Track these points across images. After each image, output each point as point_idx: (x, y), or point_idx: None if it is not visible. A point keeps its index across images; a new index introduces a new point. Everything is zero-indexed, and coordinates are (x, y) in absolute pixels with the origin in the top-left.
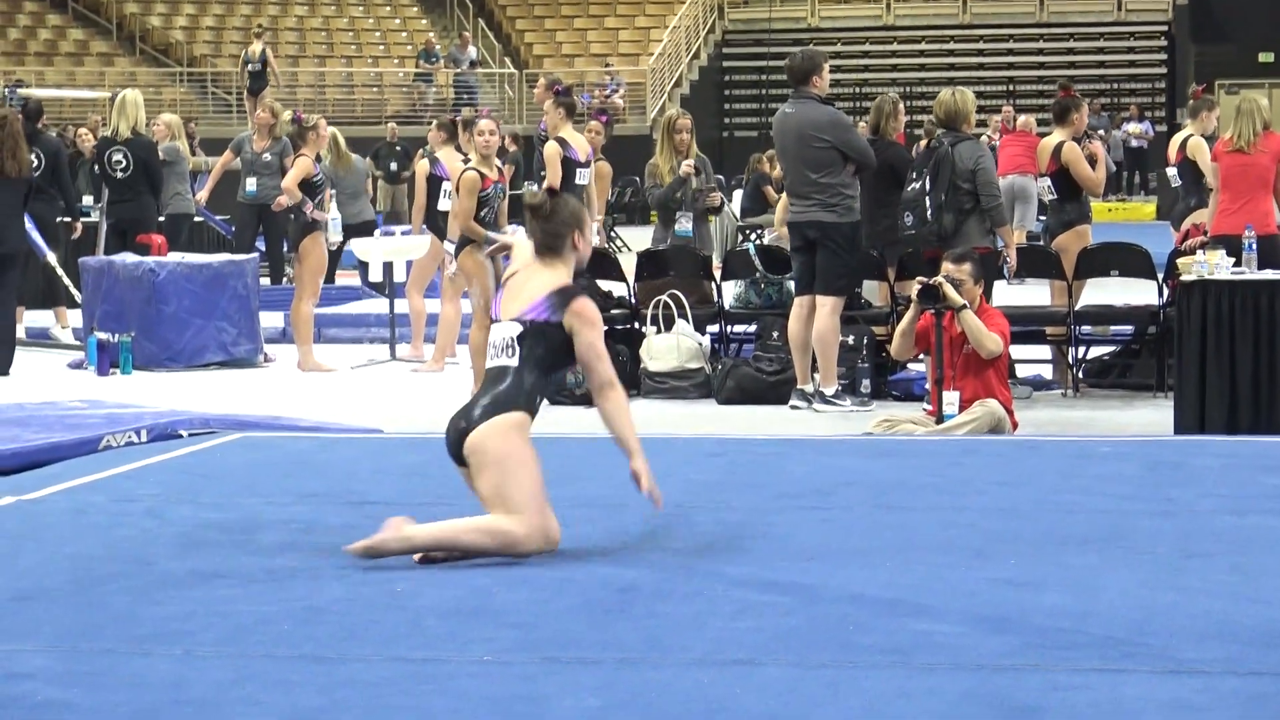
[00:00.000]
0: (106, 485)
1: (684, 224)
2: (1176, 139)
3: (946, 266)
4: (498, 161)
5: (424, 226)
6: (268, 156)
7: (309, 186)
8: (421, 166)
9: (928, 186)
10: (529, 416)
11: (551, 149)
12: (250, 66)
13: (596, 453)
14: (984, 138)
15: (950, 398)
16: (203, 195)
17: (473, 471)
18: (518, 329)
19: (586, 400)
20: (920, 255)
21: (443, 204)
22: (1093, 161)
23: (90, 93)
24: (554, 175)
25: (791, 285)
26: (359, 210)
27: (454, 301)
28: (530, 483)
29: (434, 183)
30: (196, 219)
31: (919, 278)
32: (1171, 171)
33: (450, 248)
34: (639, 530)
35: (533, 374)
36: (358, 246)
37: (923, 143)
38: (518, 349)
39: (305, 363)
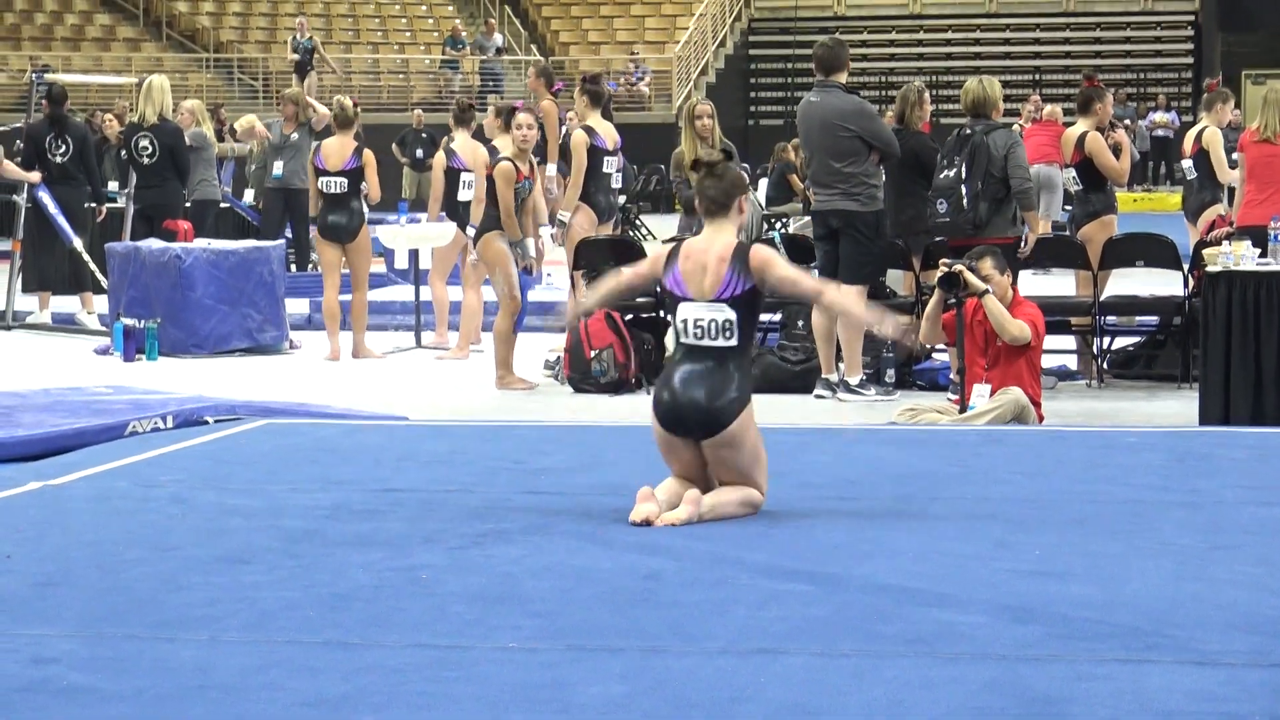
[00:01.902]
0: (132, 471)
1: None
2: (1192, 132)
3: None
4: (533, 157)
5: (442, 214)
6: (294, 136)
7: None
8: (439, 159)
9: (964, 174)
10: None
11: (579, 137)
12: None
13: (620, 440)
14: (1015, 127)
15: (981, 390)
16: (260, 129)
17: (722, 454)
18: (728, 311)
19: (611, 388)
20: (946, 244)
21: (463, 194)
22: (1117, 151)
23: (117, 78)
24: (579, 163)
25: (816, 274)
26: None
27: (476, 289)
28: (766, 461)
29: (451, 174)
30: (223, 205)
31: (942, 260)
32: (1187, 164)
33: (471, 234)
34: None
35: (747, 348)
36: (384, 234)
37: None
38: (736, 330)
39: (359, 350)
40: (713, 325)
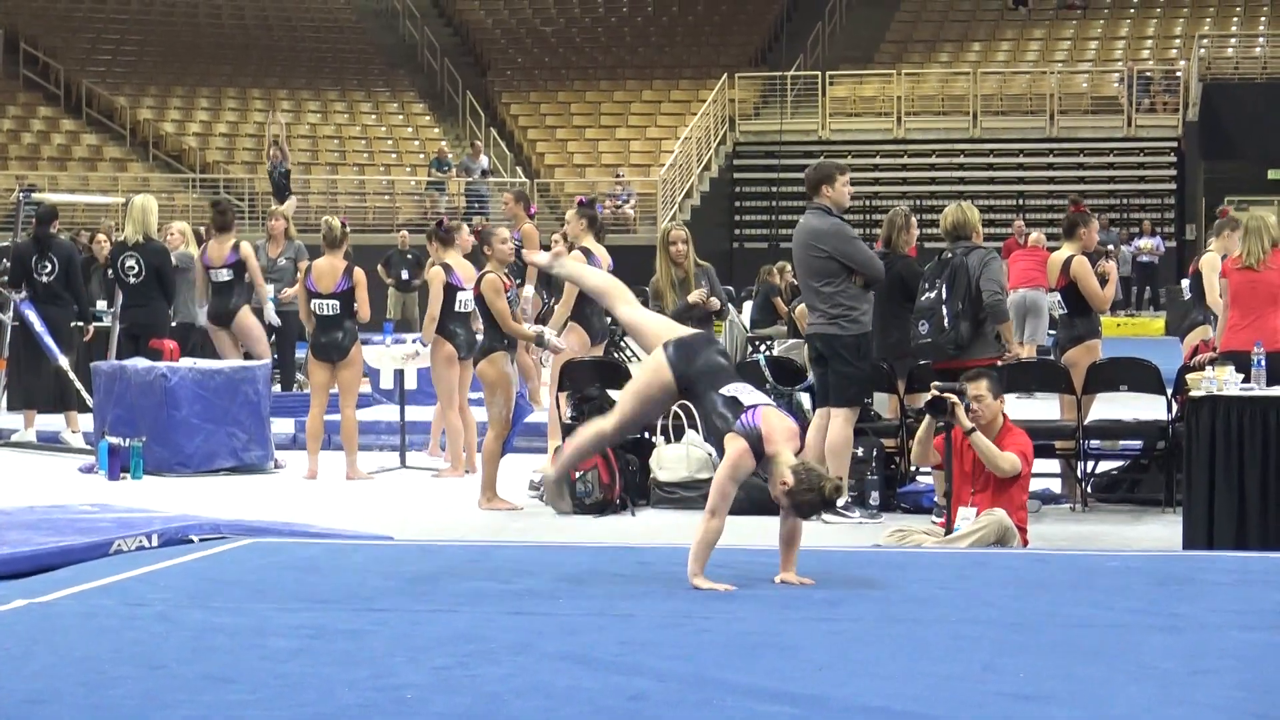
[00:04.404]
0: (117, 589)
1: None
2: (1199, 255)
3: (964, 386)
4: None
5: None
6: (282, 261)
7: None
8: (436, 273)
9: (944, 295)
10: None
11: (575, 259)
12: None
13: (604, 561)
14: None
15: (966, 513)
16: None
17: None
18: None
19: (596, 509)
20: (931, 368)
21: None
22: (1104, 280)
23: (103, 198)
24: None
25: (801, 396)
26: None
27: (454, 407)
28: None
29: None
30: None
31: (934, 384)
32: (1185, 283)
33: (424, 349)
34: (648, 638)
35: None
36: (369, 354)
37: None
38: None
39: (353, 471)
40: None
